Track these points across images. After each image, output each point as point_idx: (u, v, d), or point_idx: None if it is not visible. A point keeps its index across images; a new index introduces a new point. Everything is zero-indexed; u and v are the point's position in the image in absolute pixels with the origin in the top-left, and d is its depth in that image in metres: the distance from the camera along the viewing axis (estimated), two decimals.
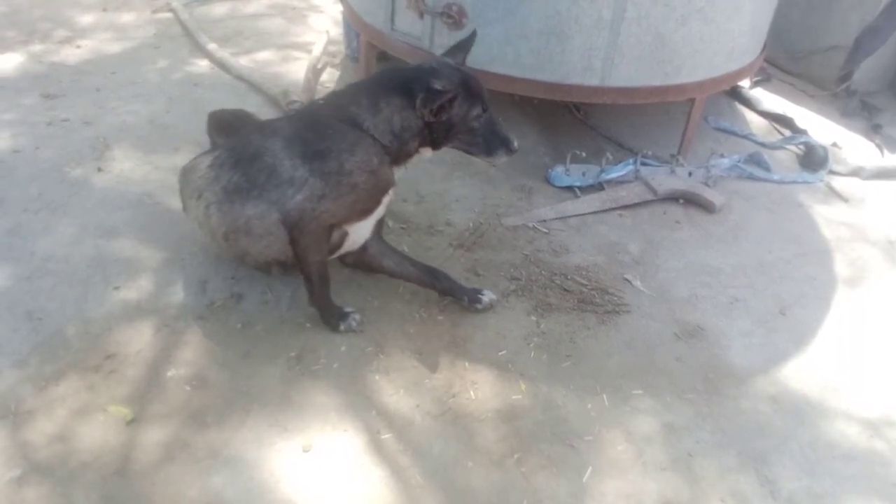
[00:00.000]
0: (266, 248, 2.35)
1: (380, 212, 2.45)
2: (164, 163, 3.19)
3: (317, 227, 2.28)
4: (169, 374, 2.23)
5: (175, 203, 2.93)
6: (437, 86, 2.27)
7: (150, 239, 2.75)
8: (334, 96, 2.48)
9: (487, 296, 2.58)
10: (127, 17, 4.64)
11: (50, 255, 2.63)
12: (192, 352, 2.31)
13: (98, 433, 2.04)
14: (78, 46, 4.21)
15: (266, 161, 2.29)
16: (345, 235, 2.41)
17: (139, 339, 2.33)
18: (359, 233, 2.45)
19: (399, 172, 2.44)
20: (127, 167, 3.15)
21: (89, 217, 2.83)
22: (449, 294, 2.59)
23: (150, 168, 3.15)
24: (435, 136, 2.37)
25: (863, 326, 2.72)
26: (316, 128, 2.33)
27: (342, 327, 2.42)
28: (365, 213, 2.38)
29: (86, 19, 4.56)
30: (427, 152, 2.45)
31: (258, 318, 2.45)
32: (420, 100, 2.27)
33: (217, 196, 2.33)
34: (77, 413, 2.09)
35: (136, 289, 2.52)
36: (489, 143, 2.42)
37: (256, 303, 2.51)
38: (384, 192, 2.39)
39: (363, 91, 2.38)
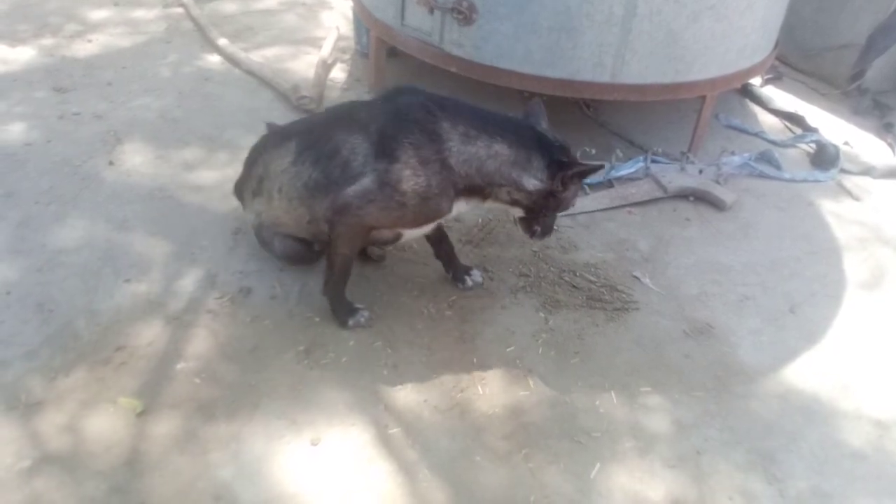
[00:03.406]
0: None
1: (432, 227, 2.46)
2: (175, 157, 3.20)
3: (355, 224, 2.29)
4: (178, 366, 2.24)
5: (186, 197, 2.96)
6: (578, 160, 2.30)
7: (161, 232, 2.76)
8: (435, 102, 2.29)
9: (473, 278, 2.62)
10: (138, 12, 4.66)
11: (61, 247, 2.64)
12: (201, 345, 2.32)
13: (107, 425, 2.05)
14: (89, 41, 4.23)
15: (343, 156, 2.27)
16: (399, 236, 2.44)
17: (149, 332, 2.34)
18: (414, 235, 2.48)
19: (461, 206, 2.35)
20: (138, 161, 3.16)
21: (100, 210, 2.84)
22: (440, 260, 2.63)
23: (160, 162, 3.16)
24: (533, 200, 2.30)
25: (873, 325, 2.71)
26: (398, 129, 2.23)
27: (350, 323, 2.43)
28: (412, 226, 2.37)
29: (97, 14, 4.58)
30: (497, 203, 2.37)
31: (267, 313, 2.46)
32: (570, 173, 2.25)
33: (299, 192, 2.35)
34: (87, 405, 2.10)
35: (147, 282, 2.53)
36: (547, 224, 2.42)
37: (265, 297, 2.52)
38: (433, 219, 2.36)
39: (468, 118, 2.26)
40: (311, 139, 2.36)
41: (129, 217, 2.82)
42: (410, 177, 2.20)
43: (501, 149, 2.23)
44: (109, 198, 2.92)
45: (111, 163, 3.13)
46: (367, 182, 2.22)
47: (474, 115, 2.28)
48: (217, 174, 3.11)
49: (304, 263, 2.60)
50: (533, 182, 2.26)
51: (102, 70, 3.91)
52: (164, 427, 2.06)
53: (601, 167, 2.43)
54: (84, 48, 4.14)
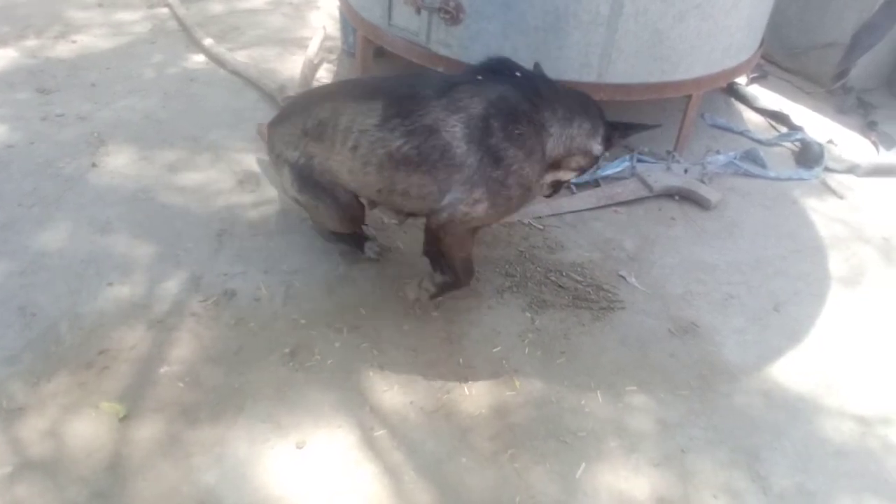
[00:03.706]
0: (412, 206, 2.38)
1: None
2: (159, 158, 3.18)
3: (463, 231, 2.32)
4: (162, 370, 2.23)
5: (170, 198, 2.94)
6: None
7: (144, 235, 2.74)
8: (527, 85, 2.32)
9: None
10: (123, 13, 4.63)
11: (44, 250, 2.62)
12: (185, 348, 2.31)
13: (90, 430, 2.04)
14: (73, 41, 4.20)
15: (443, 138, 2.21)
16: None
17: (132, 336, 2.33)
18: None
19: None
20: (121, 163, 3.14)
21: (83, 212, 2.82)
22: (425, 256, 2.56)
23: (144, 164, 3.14)
24: (590, 163, 2.47)
25: (857, 323, 2.73)
26: (507, 120, 2.22)
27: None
28: (511, 215, 2.42)
29: (81, 14, 4.54)
30: None
31: (251, 315, 2.45)
32: (619, 132, 2.41)
33: (380, 159, 2.27)
34: (69, 409, 2.08)
35: (130, 285, 2.52)
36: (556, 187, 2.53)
37: (250, 299, 2.51)
38: (528, 204, 2.42)
39: (561, 99, 2.34)
40: (403, 108, 2.25)
41: (113, 219, 2.80)
42: (517, 171, 2.23)
43: (585, 123, 2.35)
44: (93, 200, 2.90)
45: (95, 164, 3.11)
46: (472, 182, 2.22)
47: (563, 94, 2.38)
48: (202, 175, 3.10)
49: (351, 226, 2.54)
50: (598, 147, 2.39)
51: (86, 71, 3.88)
52: (147, 431, 2.05)
53: (647, 127, 2.56)
54: (68, 49, 4.11)
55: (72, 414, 2.07)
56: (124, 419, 2.07)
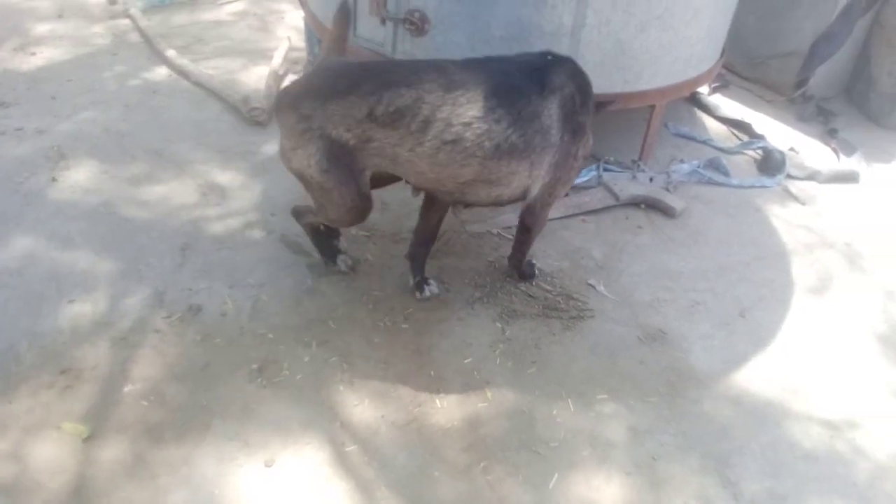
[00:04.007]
0: (488, 194, 2.39)
1: None
2: (121, 172, 3.13)
3: (545, 212, 2.54)
4: (126, 389, 2.18)
5: (132, 212, 2.88)
6: None
7: (106, 250, 2.68)
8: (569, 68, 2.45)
9: (430, 290, 2.65)
10: (84, 24, 4.54)
11: (2, 267, 2.55)
12: (149, 366, 2.26)
13: (53, 451, 1.98)
14: (33, 54, 4.11)
15: (543, 123, 2.31)
16: None
17: (95, 354, 2.27)
18: None
19: None
20: (82, 177, 3.07)
21: (43, 228, 2.76)
22: (409, 260, 2.67)
23: (106, 177, 3.08)
24: None
25: (821, 328, 2.77)
26: (584, 94, 2.43)
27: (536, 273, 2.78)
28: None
29: (41, 27, 4.45)
30: None
31: (218, 330, 2.41)
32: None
33: (485, 152, 2.25)
34: (31, 431, 2.03)
35: (92, 302, 2.46)
36: None
37: (216, 314, 2.47)
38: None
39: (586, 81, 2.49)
40: (503, 97, 2.25)
41: (74, 235, 2.74)
42: (586, 142, 2.49)
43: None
44: (53, 215, 2.83)
45: (54, 179, 3.04)
46: (558, 162, 2.38)
47: None
48: (164, 188, 3.05)
49: (356, 220, 2.44)
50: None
51: (46, 83, 3.80)
52: (111, 452, 2.00)
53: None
54: (27, 61, 4.02)
55: (33, 436, 2.02)
56: (88, 440, 2.02)
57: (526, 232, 2.62)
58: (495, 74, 2.30)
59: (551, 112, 2.32)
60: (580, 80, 2.43)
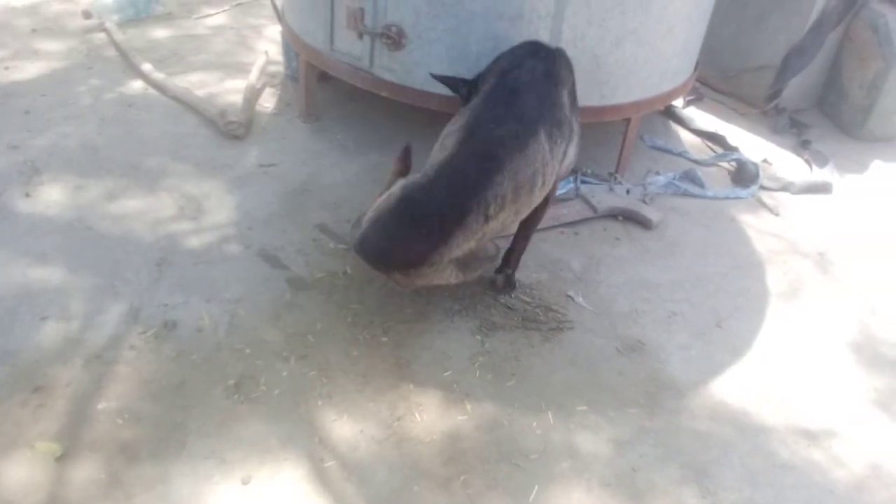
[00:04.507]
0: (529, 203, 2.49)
1: None
2: (96, 187, 3.09)
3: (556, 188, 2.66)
4: (100, 406, 2.14)
5: (107, 228, 2.85)
6: None
7: (81, 266, 2.65)
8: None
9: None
10: (58, 38, 4.50)
11: None
12: (123, 383, 2.22)
13: (25, 471, 1.95)
14: (6, 67, 4.06)
15: (566, 117, 2.54)
16: None
17: (68, 372, 2.24)
18: None
19: None
20: (56, 192, 3.04)
21: (17, 244, 2.72)
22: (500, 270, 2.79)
23: (80, 192, 3.05)
24: None
25: (797, 337, 2.80)
26: (572, 74, 2.71)
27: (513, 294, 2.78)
28: None
29: (15, 40, 4.41)
30: None
31: (193, 346, 2.38)
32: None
33: (556, 172, 2.48)
34: (2, 450, 1.99)
35: (66, 318, 2.42)
36: None
37: (191, 330, 2.44)
38: None
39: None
40: (549, 115, 2.46)
41: (48, 250, 2.70)
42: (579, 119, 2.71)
43: None
44: (27, 231, 2.79)
45: (28, 194, 3.00)
46: (572, 146, 2.59)
47: None
48: (140, 203, 3.02)
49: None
50: None
51: (20, 98, 3.75)
52: (85, 471, 1.96)
53: None
54: (0, 75, 3.97)
55: (5, 455, 1.98)
56: (61, 459, 1.98)
57: (534, 220, 2.72)
58: (516, 110, 2.43)
59: (564, 105, 2.56)
60: (569, 61, 2.70)
